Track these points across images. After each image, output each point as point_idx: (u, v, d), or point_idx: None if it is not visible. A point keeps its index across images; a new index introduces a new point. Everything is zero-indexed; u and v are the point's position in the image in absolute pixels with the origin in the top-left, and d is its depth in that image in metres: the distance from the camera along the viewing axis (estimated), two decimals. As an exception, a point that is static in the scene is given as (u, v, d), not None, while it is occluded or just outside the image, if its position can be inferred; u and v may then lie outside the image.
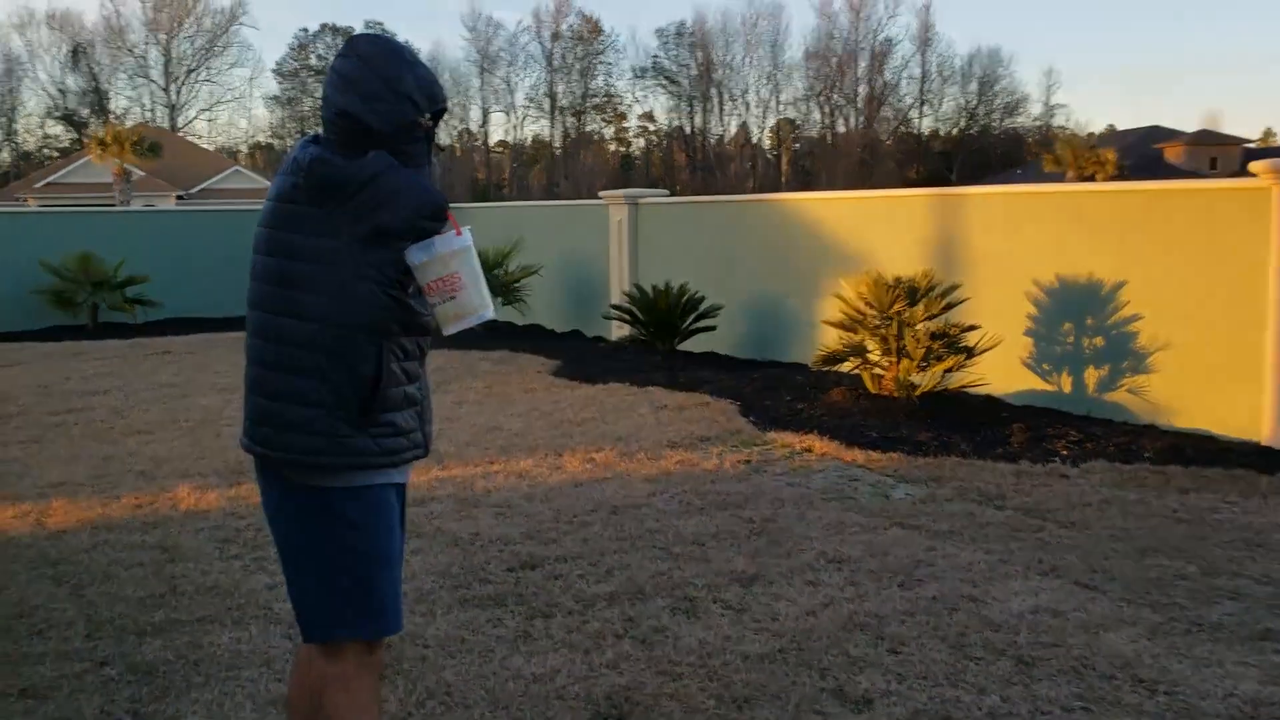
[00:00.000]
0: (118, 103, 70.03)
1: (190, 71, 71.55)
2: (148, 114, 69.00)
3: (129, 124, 52.83)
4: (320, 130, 2.52)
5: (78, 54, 67.69)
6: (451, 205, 2.53)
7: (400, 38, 2.60)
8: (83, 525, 5.40)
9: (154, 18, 69.77)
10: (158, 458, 6.84)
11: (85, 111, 68.14)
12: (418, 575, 4.60)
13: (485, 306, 2.45)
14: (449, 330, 2.44)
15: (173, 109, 70.54)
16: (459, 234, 2.40)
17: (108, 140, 34.22)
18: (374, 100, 2.38)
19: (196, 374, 10.33)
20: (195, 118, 74.72)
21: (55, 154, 63.78)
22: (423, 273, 2.38)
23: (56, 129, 69.06)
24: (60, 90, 68.42)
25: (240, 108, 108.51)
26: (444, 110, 2.53)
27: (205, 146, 61.66)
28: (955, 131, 71.70)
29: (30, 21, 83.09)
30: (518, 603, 4.31)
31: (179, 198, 42.12)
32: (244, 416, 2.53)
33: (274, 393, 2.42)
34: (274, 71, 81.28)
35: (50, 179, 43.34)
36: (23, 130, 68.93)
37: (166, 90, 70.71)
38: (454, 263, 2.37)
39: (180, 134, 63.31)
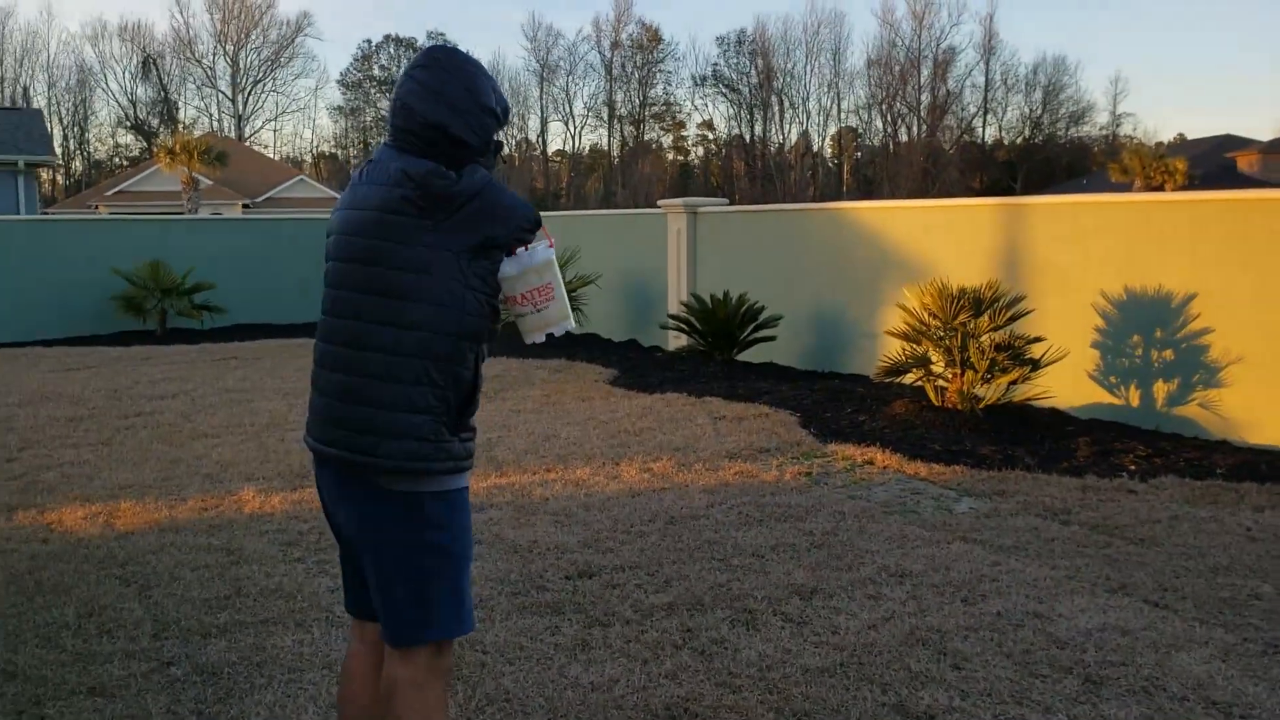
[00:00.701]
0: (186, 112, 71.57)
1: (256, 82, 72.92)
2: (215, 124, 70.44)
3: (197, 133, 53.92)
4: (391, 138, 2.55)
5: (148, 65, 69.26)
6: None
7: (462, 48, 2.66)
8: (150, 527, 5.49)
9: (222, 29, 71.20)
10: (223, 461, 6.94)
11: (155, 121, 69.70)
12: (476, 581, 4.62)
13: (568, 315, 2.54)
14: (533, 339, 2.54)
15: (239, 119, 71.89)
16: (550, 245, 2.51)
17: (176, 149, 34.91)
18: (464, 114, 2.46)
19: (261, 379, 10.49)
20: (261, 127, 76.30)
21: (125, 163, 65.29)
22: (516, 283, 2.48)
23: (127, 138, 70.75)
24: (131, 100, 70.10)
25: (305, 118, 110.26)
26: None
27: (271, 156, 62.74)
28: (1019, 140, 70.78)
29: (103, 33, 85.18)
30: (575, 611, 4.31)
31: (245, 206, 42.88)
32: (322, 424, 2.53)
33: (378, 401, 2.43)
34: (338, 82, 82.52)
35: (120, 187, 44.32)
36: (94, 139, 70.71)
37: (233, 100, 72.11)
38: (547, 273, 2.47)
39: (246, 143, 64.46)
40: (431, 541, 2.49)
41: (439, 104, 2.45)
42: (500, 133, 2.58)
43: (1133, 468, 6.52)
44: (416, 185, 2.41)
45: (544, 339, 2.54)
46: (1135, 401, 7.70)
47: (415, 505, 2.48)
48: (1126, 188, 36.31)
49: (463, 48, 2.63)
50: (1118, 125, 71.93)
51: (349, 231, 2.49)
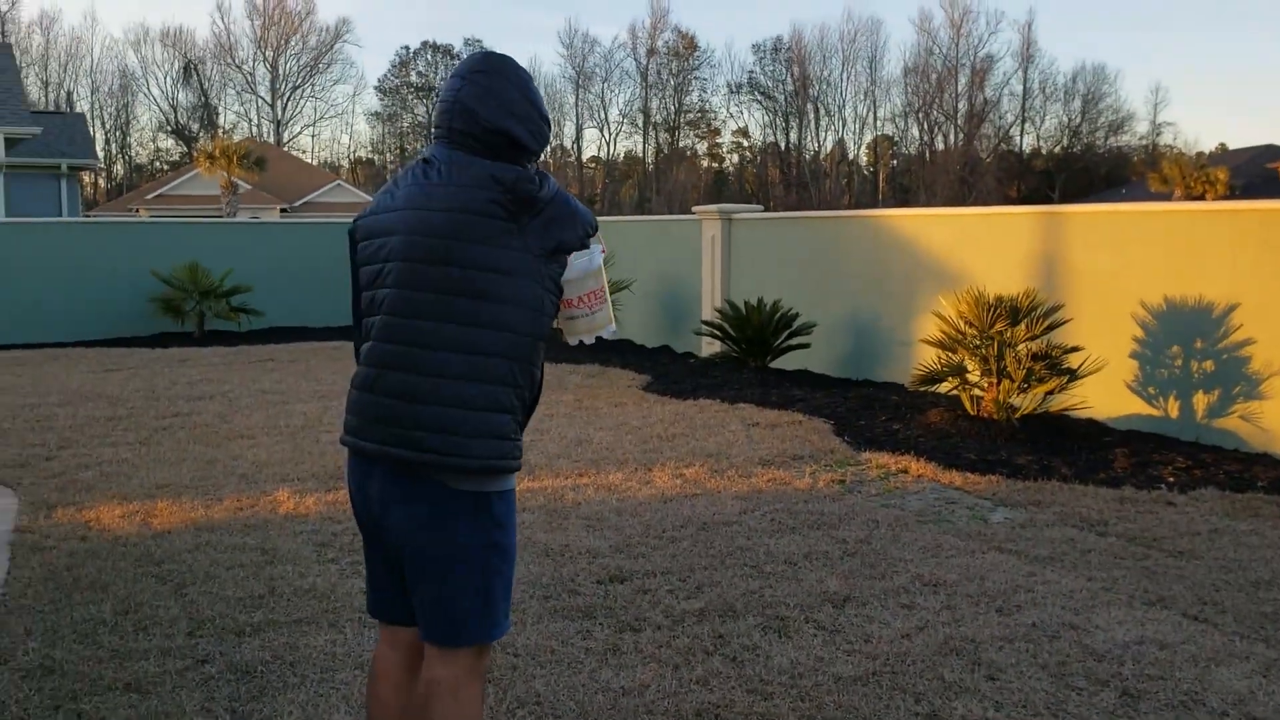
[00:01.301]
0: (226, 117, 72.37)
1: (295, 88, 73.65)
2: (254, 129, 71.21)
3: (236, 138, 54.55)
4: (448, 139, 2.54)
5: (189, 70, 70.14)
6: None
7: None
8: (186, 526, 5.54)
9: (262, 35, 71.96)
10: (259, 462, 7.00)
11: (195, 126, 70.54)
12: (509, 585, 4.62)
13: (613, 320, 2.64)
14: (583, 340, 2.60)
15: (278, 124, 72.61)
16: (604, 251, 2.59)
17: (216, 154, 35.33)
18: (525, 120, 2.53)
19: (297, 382, 10.57)
20: (299, 133, 77.00)
21: (166, 167, 66.12)
22: (576, 286, 2.57)
23: (167, 142, 71.64)
24: (172, 105, 70.97)
25: (342, 123, 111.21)
26: None
27: (308, 161, 63.34)
28: (1057, 149, 70.22)
29: (145, 39, 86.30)
30: (607, 616, 4.30)
31: (283, 210, 43.30)
32: (375, 423, 2.49)
33: (459, 401, 2.43)
34: (375, 88, 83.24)
35: (161, 191, 44.89)
36: (136, 144, 71.66)
37: (273, 106, 72.86)
38: (601, 277, 2.56)
39: (285, 148, 65.13)
40: (496, 541, 2.51)
41: (501, 109, 2.49)
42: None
43: (1171, 479, 6.44)
44: (506, 189, 2.43)
45: (592, 340, 2.59)
46: (1174, 413, 7.60)
47: (483, 505, 2.49)
48: (1166, 198, 35.95)
49: (493, 48, 2.68)
50: (1158, 134, 71.24)
51: (420, 231, 2.45)
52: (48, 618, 4.28)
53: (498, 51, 2.62)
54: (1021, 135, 71.87)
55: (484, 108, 2.49)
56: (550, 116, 2.63)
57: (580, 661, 3.87)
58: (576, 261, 2.55)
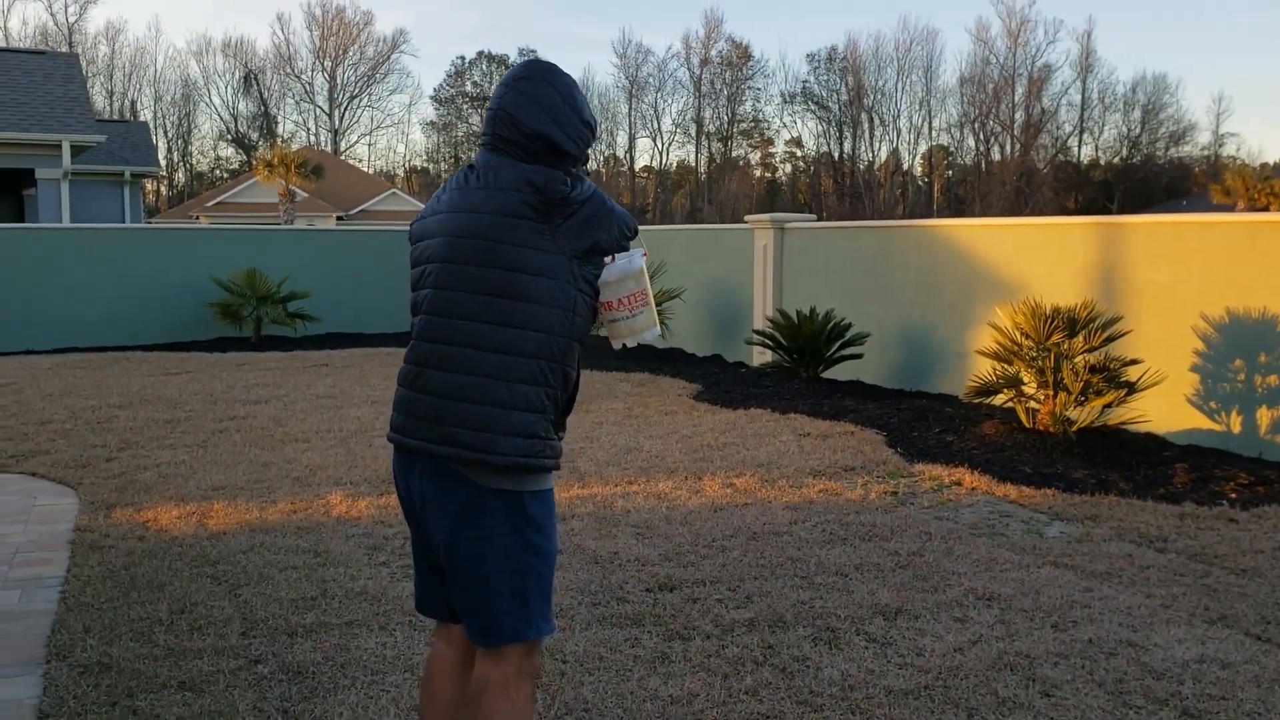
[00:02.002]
0: (285, 126, 73.54)
1: (353, 97, 74.63)
2: (312, 138, 72.26)
3: (294, 147, 55.32)
4: (492, 144, 2.60)
5: (249, 80, 71.33)
6: None
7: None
8: (241, 528, 5.61)
9: (321, 46, 73.01)
10: (313, 465, 7.07)
11: (254, 135, 71.73)
12: (557, 591, 4.62)
13: (657, 324, 2.59)
14: (623, 344, 2.58)
15: (335, 133, 73.62)
16: (645, 253, 2.58)
17: (274, 162, 35.83)
18: (566, 125, 2.56)
19: (351, 386, 10.68)
20: (356, 142, 77.94)
21: (226, 175, 67.26)
22: (615, 288, 2.55)
23: (228, 151, 72.91)
24: (232, 114, 72.22)
25: (398, 132, 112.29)
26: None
27: (364, 169, 64.08)
28: (1116, 160, 69.21)
29: (207, 49, 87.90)
30: (655, 624, 4.29)
31: (339, 218, 43.85)
32: (421, 422, 2.55)
33: (494, 399, 2.47)
34: (431, 98, 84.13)
35: (220, 198, 45.66)
36: (197, 152, 72.98)
37: (330, 115, 73.88)
38: (642, 280, 2.53)
39: (342, 157, 65.99)
40: (531, 541, 2.54)
41: (542, 114, 2.54)
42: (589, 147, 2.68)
43: (1234, 496, 6.30)
44: (538, 191, 2.47)
45: (635, 344, 2.58)
46: (1237, 428, 7.44)
47: (517, 505, 2.52)
48: (1229, 210, 35.25)
49: (548, 59, 2.70)
50: (1220, 145, 70.00)
51: (459, 234, 2.52)
52: (105, 615, 4.35)
53: (543, 59, 2.66)
54: (1079, 146, 71.00)
55: (525, 114, 2.55)
56: (595, 121, 2.65)
57: (629, 669, 3.85)
58: (614, 264, 2.55)
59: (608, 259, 2.58)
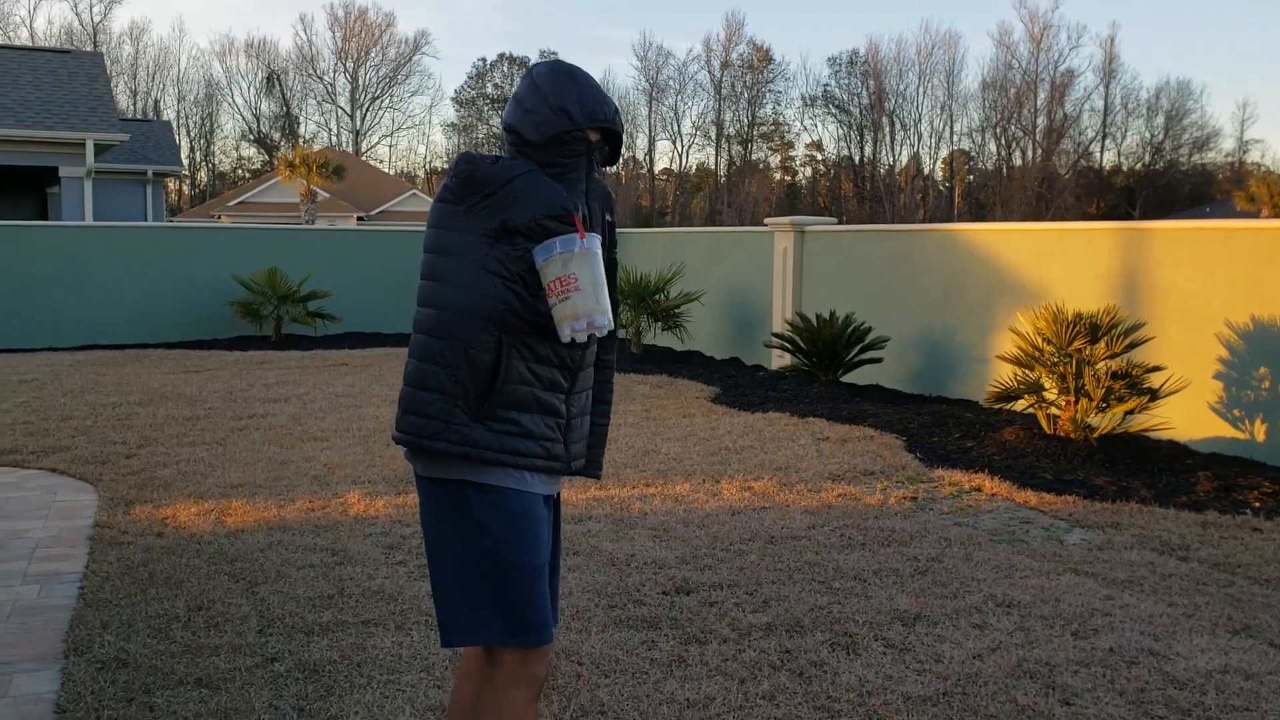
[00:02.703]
0: (307, 127, 73.88)
1: (375, 98, 74.92)
2: (334, 138, 72.57)
3: (316, 147, 55.57)
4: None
5: (272, 80, 71.71)
6: (619, 230, 2.62)
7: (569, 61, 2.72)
8: (259, 525, 5.62)
9: (343, 47, 73.32)
10: (331, 464, 7.09)
11: (276, 135, 72.09)
12: (574, 593, 4.61)
13: (599, 312, 2.40)
14: (562, 334, 2.41)
15: (357, 134, 73.91)
16: (582, 238, 2.40)
17: (296, 162, 36.02)
18: (531, 113, 2.54)
19: (370, 385, 10.70)
20: (377, 142, 78.36)
21: (248, 174, 67.64)
22: (544, 273, 2.42)
23: (250, 151, 73.31)
24: (254, 114, 72.62)
25: (419, 134, 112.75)
26: (614, 131, 2.64)
27: (385, 170, 64.33)
28: (1139, 166, 68.81)
29: (230, 49, 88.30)
30: (672, 627, 4.27)
31: (359, 218, 44.00)
32: None
33: (409, 378, 2.53)
34: (452, 99, 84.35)
35: (242, 198, 45.89)
36: (219, 151, 73.47)
37: (352, 116, 74.18)
38: (573, 264, 2.38)
39: (363, 158, 66.26)
40: (473, 540, 2.47)
41: (516, 109, 2.58)
42: (593, 137, 2.58)
43: (1257, 505, 6.24)
44: (450, 172, 2.53)
45: (583, 337, 2.40)
46: (1261, 436, 7.37)
47: (457, 499, 2.48)
48: (1253, 216, 34.99)
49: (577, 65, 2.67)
50: (1244, 152, 69.53)
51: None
52: (123, 611, 4.36)
53: (548, 60, 2.66)
54: (1102, 151, 70.65)
55: (507, 111, 2.62)
56: (593, 112, 2.54)
57: (645, 672, 3.84)
58: (539, 247, 2.43)
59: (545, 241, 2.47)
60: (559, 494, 2.72)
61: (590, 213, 2.59)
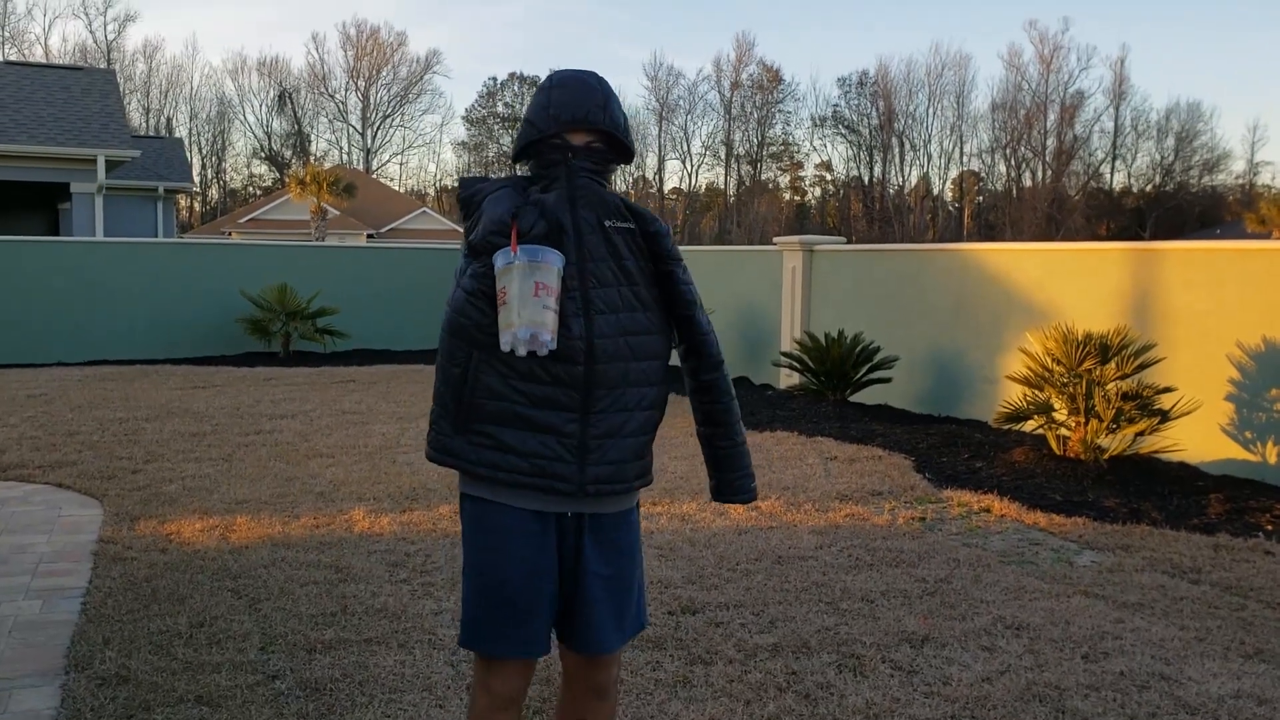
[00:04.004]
0: (318, 145, 74.24)
1: (386, 117, 75.25)
2: (345, 156, 72.88)
3: (327, 165, 55.79)
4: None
5: (284, 99, 72.09)
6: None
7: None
8: (263, 542, 5.60)
9: (355, 66, 73.72)
10: (336, 481, 7.06)
11: (288, 152, 72.43)
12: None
13: (520, 325, 2.34)
14: (502, 344, 2.36)
15: (368, 152, 74.23)
16: (514, 251, 2.38)
17: (307, 180, 36.12)
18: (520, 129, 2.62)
19: (377, 403, 10.69)
20: (388, 160, 78.69)
21: (259, 192, 67.92)
22: (496, 285, 2.39)
23: (261, 168, 73.64)
24: (266, 132, 73.00)
25: (430, 152, 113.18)
26: (597, 128, 2.52)
27: (395, 188, 64.54)
28: (1149, 188, 68.73)
29: (242, 68, 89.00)
30: (677, 647, 4.23)
31: (369, 236, 44.12)
32: None
33: None
34: (463, 118, 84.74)
35: (253, 215, 46.04)
36: (230, 169, 73.77)
37: (363, 134, 74.54)
38: (504, 278, 2.37)
39: (374, 176, 66.48)
40: (464, 542, 2.60)
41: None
42: (574, 139, 2.52)
43: (1270, 528, 6.18)
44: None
45: (523, 350, 2.34)
46: (1273, 458, 7.31)
47: (462, 502, 2.62)
48: (1264, 239, 34.89)
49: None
50: (1255, 174, 69.44)
51: None
52: (125, 627, 4.34)
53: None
54: (1112, 173, 70.60)
55: None
56: (557, 116, 2.51)
57: (649, 692, 3.80)
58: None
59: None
60: (614, 517, 2.60)
61: (577, 221, 2.50)
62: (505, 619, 2.51)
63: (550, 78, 2.59)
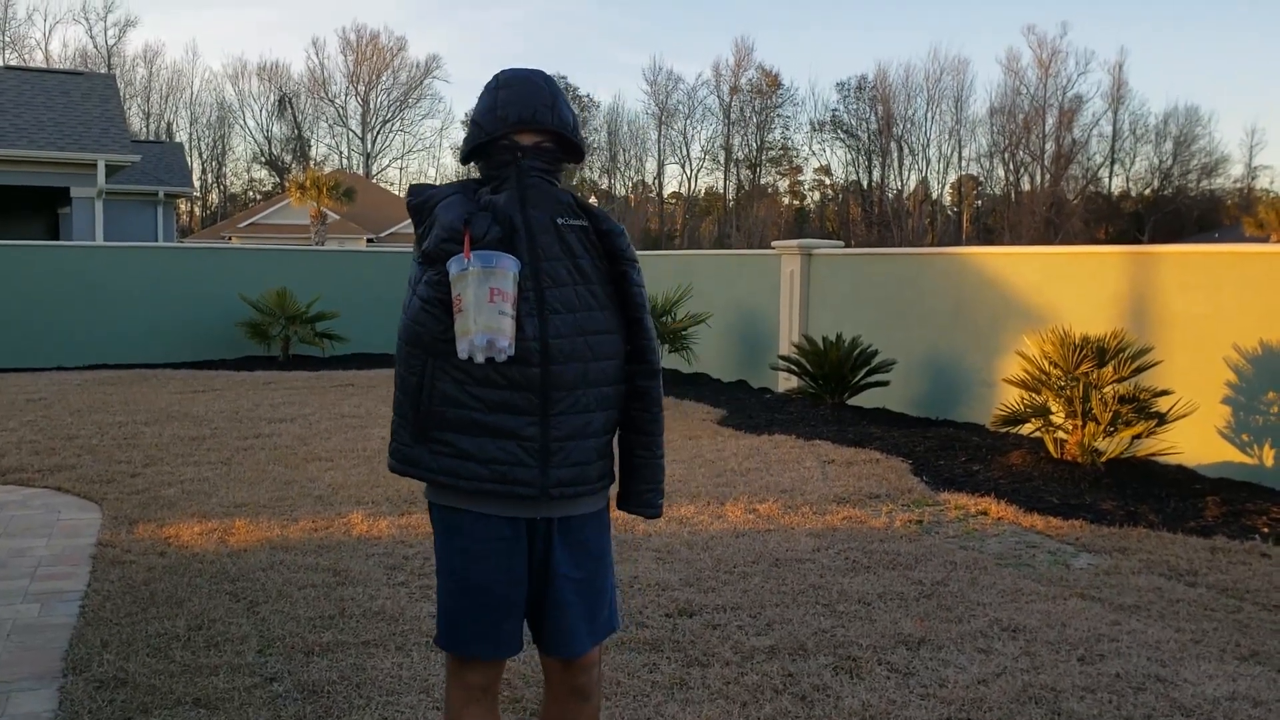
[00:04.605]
0: (318, 150, 74.32)
1: (385, 122, 75.30)
2: (345, 161, 72.92)
3: (327, 170, 55.83)
4: None
5: (284, 103, 72.14)
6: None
7: (581, 90, 2.64)
8: (262, 545, 5.61)
9: (355, 71, 73.79)
10: (335, 484, 7.07)
11: (288, 157, 72.48)
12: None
13: (477, 332, 2.33)
14: (459, 351, 2.35)
15: (368, 157, 74.27)
16: (467, 258, 2.36)
17: (307, 185, 36.17)
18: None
19: (376, 406, 10.70)
20: (388, 165, 78.83)
21: (259, 196, 67.96)
22: (451, 293, 2.39)
23: (261, 173, 73.67)
24: (266, 137, 73.03)
25: (429, 157, 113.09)
26: (545, 128, 2.50)
27: (396, 193, 64.56)
28: (1147, 192, 68.79)
29: (243, 72, 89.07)
30: (674, 649, 4.24)
31: (369, 240, 44.14)
32: None
33: None
34: (462, 123, 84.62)
35: (253, 219, 46.08)
36: (230, 173, 73.81)
37: (363, 139, 74.58)
38: (458, 285, 2.35)
39: (373, 180, 66.53)
40: (436, 546, 2.62)
41: None
42: (523, 137, 2.51)
43: (1266, 530, 6.19)
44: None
45: (480, 357, 2.33)
46: (1270, 461, 7.32)
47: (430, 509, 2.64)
48: (1263, 243, 34.92)
49: (581, 90, 2.63)
50: (1253, 178, 69.50)
51: None
52: (123, 630, 4.35)
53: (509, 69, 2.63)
54: (1110, 177, 70.67)
55: None
56: (502, 115, 2.50)
57: (646, 695, 3.81)
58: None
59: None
60: (583, 519, 2.59)
61: (529, 221, 2.49)
62: (479, 621, 2.52)
63: (496, 78, 2.56)
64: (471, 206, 2.47)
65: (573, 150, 2.60)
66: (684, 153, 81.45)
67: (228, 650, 4.15)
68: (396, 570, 5.20)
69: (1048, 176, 68.72)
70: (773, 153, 77.56)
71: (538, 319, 2.44)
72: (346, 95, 74.32)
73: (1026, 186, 69.86)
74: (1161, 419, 7.26)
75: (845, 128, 75.57)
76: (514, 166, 2.51)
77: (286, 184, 47.06)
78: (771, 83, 76.00)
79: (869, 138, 74.42)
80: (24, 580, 5.07)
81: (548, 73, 2.58)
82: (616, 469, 2.69)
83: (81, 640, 4.23)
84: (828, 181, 78.31)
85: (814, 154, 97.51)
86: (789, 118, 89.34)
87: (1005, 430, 8.32)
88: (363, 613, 4.59)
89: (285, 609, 4.62)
